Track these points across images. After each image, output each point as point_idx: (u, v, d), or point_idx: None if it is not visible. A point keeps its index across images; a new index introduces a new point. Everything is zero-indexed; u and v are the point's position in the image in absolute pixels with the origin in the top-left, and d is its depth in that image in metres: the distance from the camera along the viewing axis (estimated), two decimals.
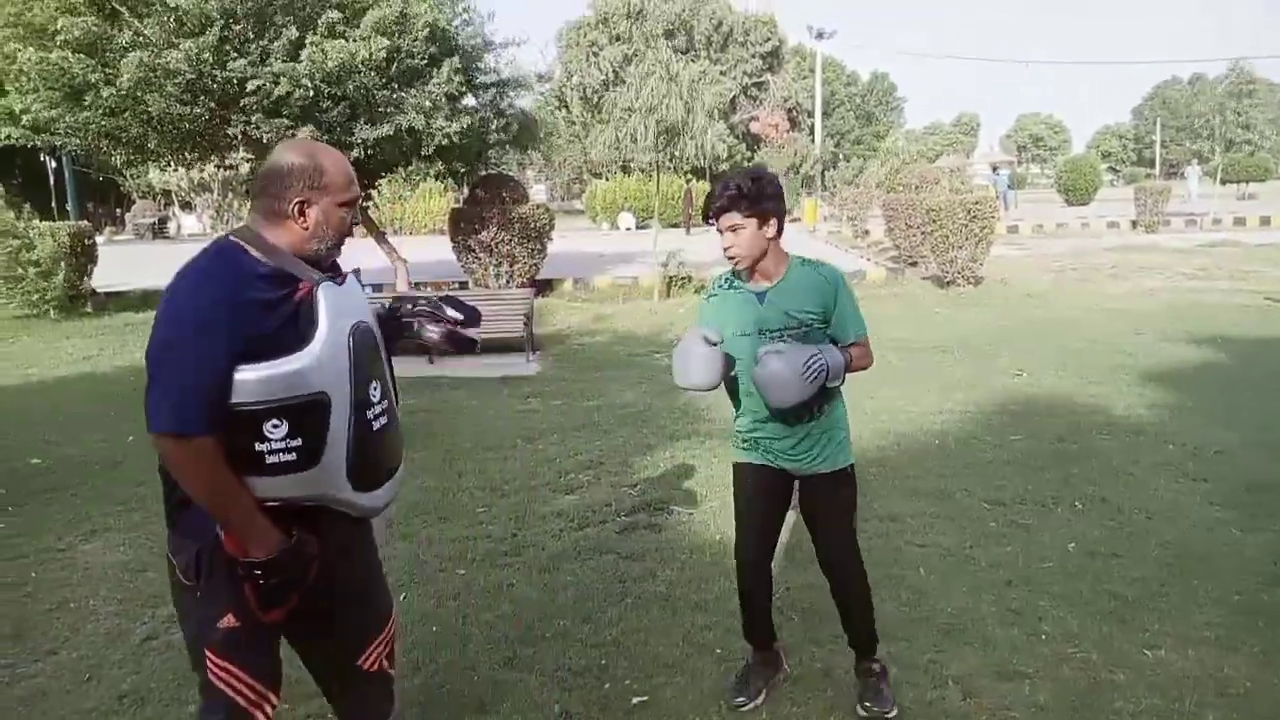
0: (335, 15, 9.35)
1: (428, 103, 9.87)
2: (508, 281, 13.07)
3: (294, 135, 9.48)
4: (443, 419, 6.85)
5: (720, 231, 2.66)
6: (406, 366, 8.49)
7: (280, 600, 1.90)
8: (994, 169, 33.34)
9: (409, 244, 16.76)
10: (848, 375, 2.67)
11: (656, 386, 7.70)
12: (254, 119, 9.31)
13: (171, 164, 11.39)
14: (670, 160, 12.52)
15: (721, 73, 39.02)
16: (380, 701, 2.21)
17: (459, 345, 2.29)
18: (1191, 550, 4.02)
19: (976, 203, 13.13)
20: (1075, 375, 7.46)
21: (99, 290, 14.04)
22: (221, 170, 12.43)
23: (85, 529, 4.59)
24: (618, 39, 51.54)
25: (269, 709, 1.99)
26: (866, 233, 22.25)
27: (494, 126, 11.11)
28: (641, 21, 50.27)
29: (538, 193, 41.89)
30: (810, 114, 46.82)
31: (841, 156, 35.23)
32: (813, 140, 39.67)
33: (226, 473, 1.79)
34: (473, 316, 2.32)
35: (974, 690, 2.96)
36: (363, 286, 2.19)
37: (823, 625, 3.42)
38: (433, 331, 2.26)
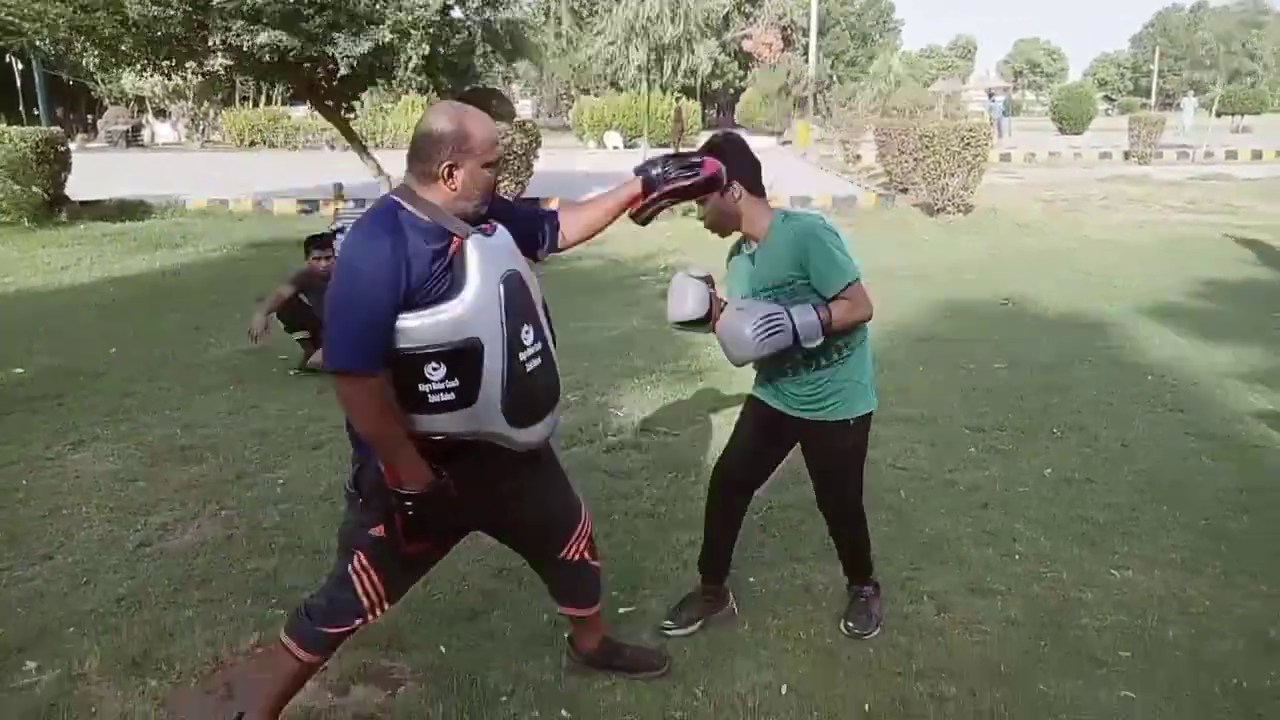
0: None
1: (409, 18, 9.57)
2: None
3: (277, 45, 9.22)
4: None
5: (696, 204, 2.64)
6: None
7: (423, 533, 2.12)
8: (990, 95, 32.86)
9: (392, 158, 16.43)
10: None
11: (645, 311, 7.71)
12: (234, 26, 9.02)
13: (148, 69, 11.00)
14: (661, 78, 12.25)
15: None
16: (588, 587, 2.62)
17: (710, 183, 2.42)
18: (1164, 478, 4.13)
19: (970, 130, 12.98)
20: (1062, 306, 7.52)
21: (73, 199, 13.76)
22: (198, 77, 12.06)
23: (73, 438, 4.60)
24: None
25: (376, 614, 2.29)
26: (858, 158, 21.99)
27: (479, 40, 10.80)
28: None
29: (524, 108, 41.00)
30: (805, 32, 45.72)
31: (836, 78, 34.54)
32: (806, 60, 38.87)
33: (387, 410, 2.00)
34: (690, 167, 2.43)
35: (948, 605, 3.07)
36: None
37: (803, 544, 3.52)
38: (685, 178, 2.38)
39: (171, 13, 9.17)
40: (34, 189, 12.20)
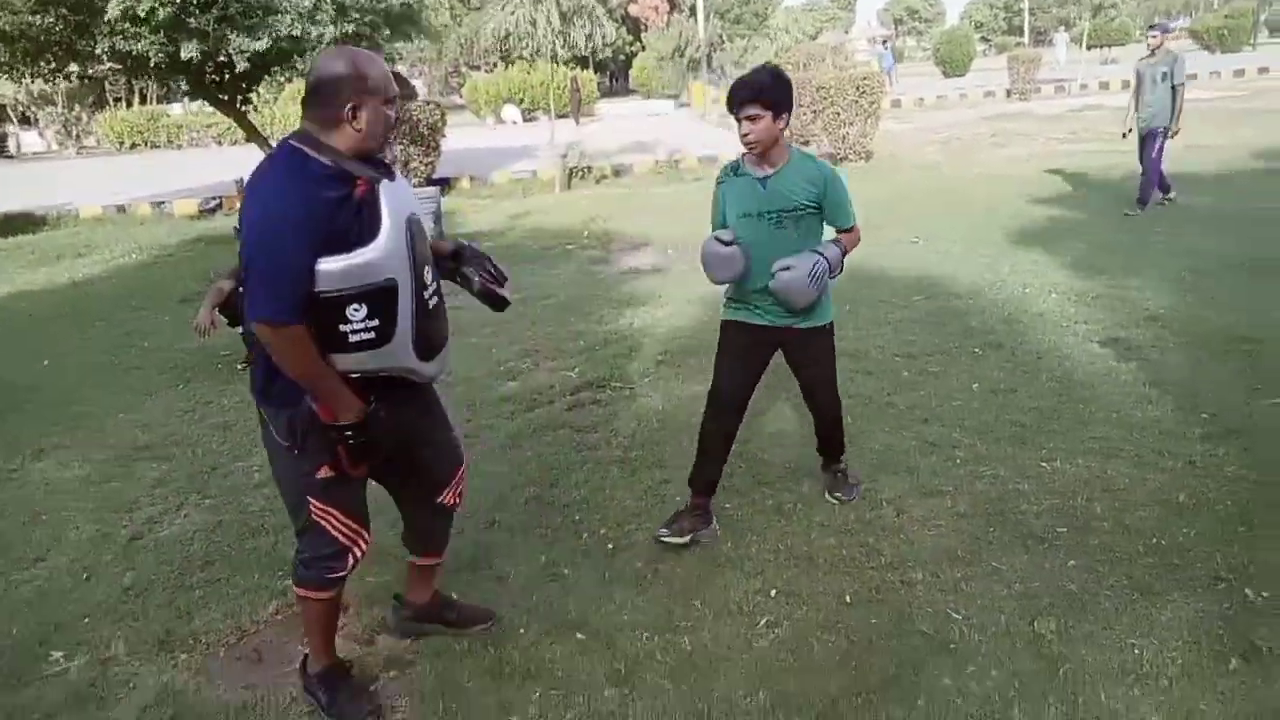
0: None
1: (308, 2, 9.37)
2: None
3: (169, 49, 8.95)
4: None
5: (739, 120, 2.98)
6: None
7: (366, 456, 2.23)
8: (883, 42, 33.76)
9: None
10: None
11: (576, 276, 7.89)
12: (122, 30, 8.71)
13: (28, 76, 10.52)
14: (566, 47, 12.30)
15: None
16: (445, 533, 2.77)
17: (492, 300, 2.57)
18: (1076, 380, 4.57)
19: (864, 79, 13.48)
20: (967, 238, 8.01)
21: None
22: (81, 81, 11.56)
23: (30, 450, 4.57)
24: None
25: (363, 544, 2.40)
26: None
27: (381, 21, 10.66)
28: None
29: (416, 88, 40.07)
30: None
31: (726, 37, 34.92)
32: (694, 21, 39.12)
33: (315, 353, 2.09)
34: (501, 278, 2.58)
35: (904, 508, 3.41)
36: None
37: (768, 470, 3.82)
38: (476, 281, 2.53)
39: (51, 21, 8.81)
40: None
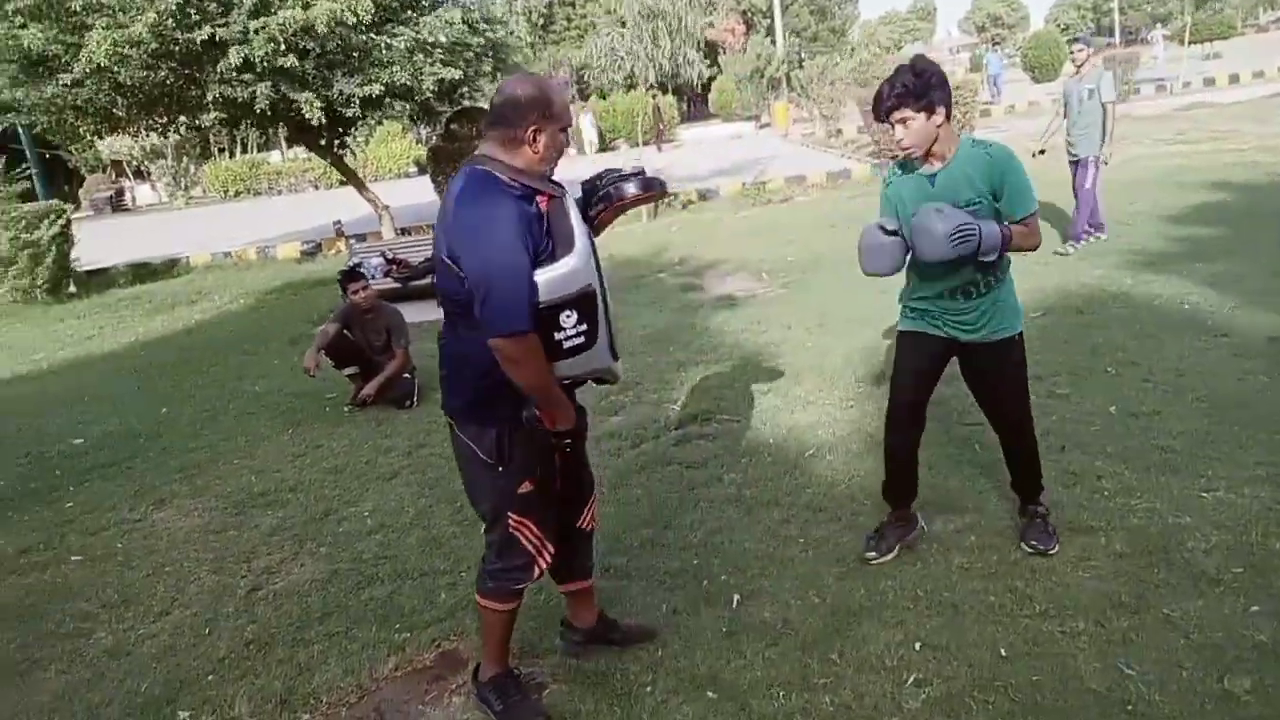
0: None
1: (419, 52, 9.58)
2: None
3: (272, 93, 9.25)
4: None
5: (892, 125, 2.81)
6: (423, 313, 8.51)
7: (576, 462, 2.46)
8: (993, 45, 32.80)
9: (379, 191, 16.52)
10: (1014, 252, 2.83)
11: (671, 305, 7.78)
12: (230, 78, 9.07)
13: (143, 130, 11.08)
14: (676, 72, 12.27)
15: None
16: (590, 556, 2.81)
17: (652, 186, 2.52)
18: (1227, 400, 4.19)
19: (956, 87, 13.07)
20: (1082, 248, 7.59)
21: (78, 269, 13.83)
22: (191, 132, 12.14)
23: (153, 499, 4.68)
24: None
25: (547, 556, 2.51)
26: (839, 132, 22.04)
27: (486, 66, 10.87)
28: None
29: None
30: (765, 14, 45.70)
31: (806, 55, 34.63)
32: (772, 41, 38.90)
33: (545, 360, 2.18)
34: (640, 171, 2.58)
35: None
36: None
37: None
38: (631, 185, 2.48)
39: (162, 74, 9.22)
40: (52, 264, 12.28)
